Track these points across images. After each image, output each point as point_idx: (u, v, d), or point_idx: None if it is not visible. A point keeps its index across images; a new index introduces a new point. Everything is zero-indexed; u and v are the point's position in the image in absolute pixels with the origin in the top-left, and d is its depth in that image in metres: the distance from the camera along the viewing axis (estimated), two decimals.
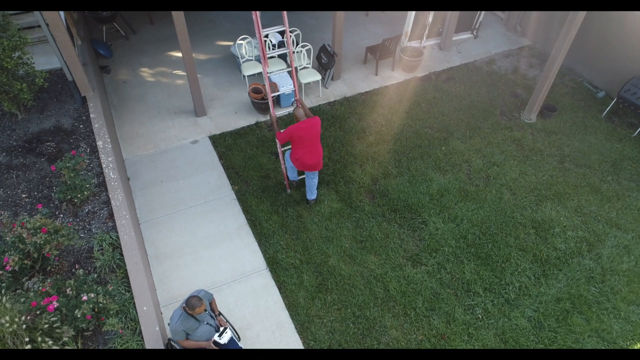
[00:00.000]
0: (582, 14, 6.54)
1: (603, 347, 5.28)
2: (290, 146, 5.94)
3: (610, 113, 8.06)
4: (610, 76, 8.30)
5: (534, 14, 9.44)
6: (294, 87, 6.02)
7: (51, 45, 5.84)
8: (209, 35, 9.45)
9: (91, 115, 6.21)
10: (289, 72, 7.97)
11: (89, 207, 5.49)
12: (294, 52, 7.58)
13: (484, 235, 6.25)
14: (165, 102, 7.93)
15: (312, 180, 6.21)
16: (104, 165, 5.70)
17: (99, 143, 5.92)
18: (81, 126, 6.31)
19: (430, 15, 8.89)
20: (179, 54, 8.89)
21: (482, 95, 8.41)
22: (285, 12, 5.50)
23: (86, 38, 8.05)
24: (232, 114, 7.79)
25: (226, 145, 7.23)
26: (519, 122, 7.93)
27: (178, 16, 6.09)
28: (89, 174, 5.76)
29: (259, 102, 7.52)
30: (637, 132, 7.70)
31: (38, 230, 4.53)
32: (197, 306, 3.90)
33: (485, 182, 6.93)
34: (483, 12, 9.43)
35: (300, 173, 6.65)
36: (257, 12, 5.25)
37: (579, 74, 8.86)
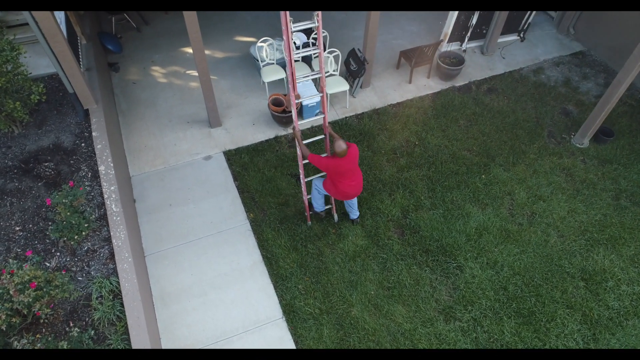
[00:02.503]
0: None
1: None
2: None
3: None
4: None
5: (592, 15, 8.35)
6: (323, 97, 5.11)
7: (48, 56, 5.15)
8: (228, 29, 8.61)
9: (93, 134, 5.58)
10: (314, 80, 7.18)
11: (89, 244, 4.94)
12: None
13: (527, 286, 5.56)
14: (177, 109, 7.23)
15: (352, 201, 5.62)
16: (105, 196, 5.11)
17: (101, 168, 5.31)
18: (83, 144, 5.69)
19: (476, 14, 7.89)
20: None
21: (528, 111, 7.51)
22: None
23: (93, 33, 7.31)
24: (249, 126, 7.07)
25: (242, 164, 6.56)
26: (569, 147, 7.05)
27: (189, 15, 5.30)
28: (90, 204, 5.17)
29: (280, 115, 6.78)
30: None
31: (27, 285, 3.99)
32: None
33: (529, 220, 6.17)
34: (533, 11, 8.37)
35: (326, 202, 5.97)
36: (287, 13, 4.38)
37: (638, 89, 7.86)
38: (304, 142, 5.27)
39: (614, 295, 5.53)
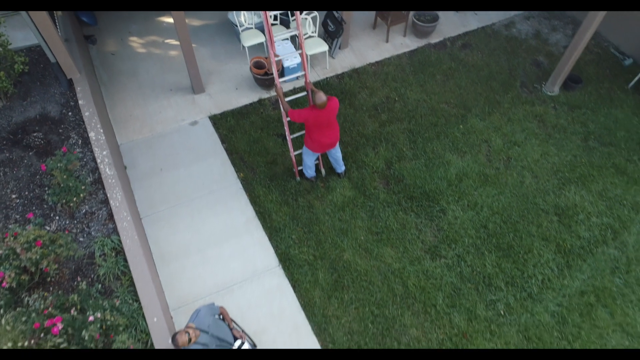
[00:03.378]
0: None
1: (627, 342, 5.15)
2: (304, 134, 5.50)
3: (638, 83, 7.53)
4: (639, 41, 7.69)
5: None
6: (302, 55, 5.34)
7: (30, 27, 5.16)
8: None
9: (79, 102, 5.64)
10: (293, 40, 7.29)
11: (86, 207, 5.08)
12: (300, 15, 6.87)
13: (505, 224, 5.95)
14: (159, 78, 7.29)
15: (335, 155, 5.86)
16: (98, 160, 5.23)
17: (91, 134, 5.41)
18: (70, 113, 5.75)
19: None
20: (171, 20, 8.10)
21: (501, 64, 7.81)
22: None
23: None
24: (232, 90, 7.19)
25: (228, 127, 6.71)
26: (541, 95, 7.41)
27: None
28: (84, 170, 5.29)
29: (262, 77, 6.91)
30: None
31: (32, 244, 4.15)
32: (177, 343, 3.54)
33: (505, 164, 6.54)
34: None
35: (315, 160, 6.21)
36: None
37: (604, 39, 8.22)
38: (286, 99, 5.46)
39: (585, 226, 5.97)
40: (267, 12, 4.76)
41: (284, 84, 7.02)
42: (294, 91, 7.14)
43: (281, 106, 5.45)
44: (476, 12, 8.66)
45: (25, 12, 5.03)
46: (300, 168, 6.16)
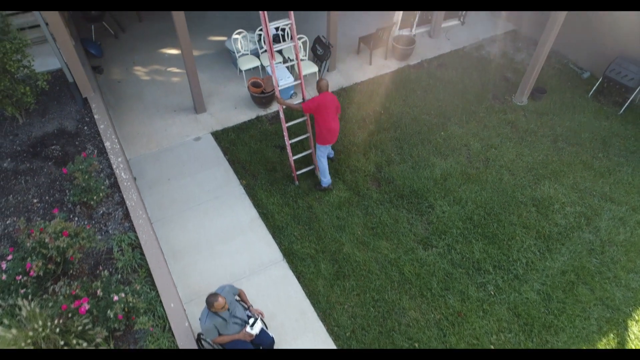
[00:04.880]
0: None
1: (608, 314, 5.59)
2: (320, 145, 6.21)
3: (596, 92, 8.41)
4: (594, 57, 8.65)
5: None
6: (300, 77, 6.07)
7: (51, 46, 5.74)
8: (201, 31, 9.37)
9: (95, 116, 6.15)
10: (287, 65, 8.00)
11: (103, 208, 5.47)
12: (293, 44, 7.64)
13: (489, 215, 6.49)
14: (163, 100, 7.87)
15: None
16: (114, 166, 5.67)
17: (107, 144, 5.87)
18: (85, 128, 6.23)
19: None
20: (172, 51, 8.81)
21: (474, 80, 8.64)
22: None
23: (77, 38, 7.88)
24: (231, 109, 7.79)
25: (230, 141, 7.25)
26: (512, 105, 8.19)
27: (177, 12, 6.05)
28: (100, 175, 5.71)
29: (259, 96, 7.55)
30: (622, 110, 8.07)
31: (60, 234, 4.51)
32: (214, 301, 3.94)
33: (484, 164, 7.17)
34: None
35: (310, 163, 6.74)
36: (265, 13, 5.30)
37: (564, 56, 9.18)
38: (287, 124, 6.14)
39: (560, 215, 6.55)
40: (268, 28, 5.45)
41: None
42: (287, 110, 7.76)
43: (282, 117, 6.08)
44: (448, 37, 9.60)
45: (52, 38, 5.62)
46: (298, 173, 6.68)
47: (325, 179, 6.56)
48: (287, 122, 6.26)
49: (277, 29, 8.41)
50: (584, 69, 8.86)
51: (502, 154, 7.32)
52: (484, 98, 8.27)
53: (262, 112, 7.76)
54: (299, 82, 6.09)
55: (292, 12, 5.61)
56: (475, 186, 6.83)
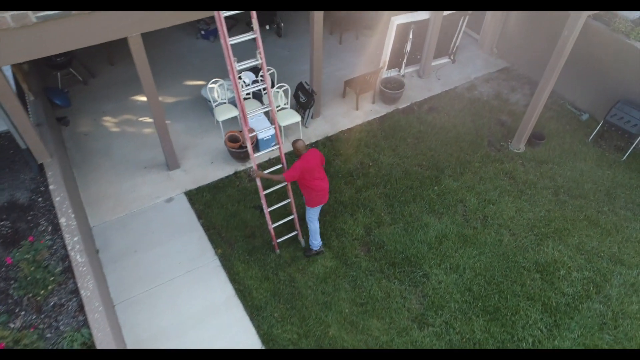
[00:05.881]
0: (570, 44, 6.34)
1: None
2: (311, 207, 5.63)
3: (596, 137, 7.94)
4: (593, 98, 8.20)
5: (510, 35, 9.29)
6: (275, 128, 5.48)
7: None
8: (176, 75, 8.81)
9: (50, 187, 5.51)
10: (266, 113, 7.44)
11: (55, 299, 4.80)
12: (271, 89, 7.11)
13: (489, 285, 5.91)
14: (133, 155, 7.25)
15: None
16: (69, 248, 5.02)
17: (62, 220, 5.23)
18: (40, 199, 5.59)
19: (409, 43, 8.57)
20: (145, 98, 8.22)
21: (468, 125, 8.14)
22: (261, 46, 4.97)
23: (39, 89, 7.28)
24: (208, 164, 7.19)
25: (204, 202, 6.63)
26: (508, 153, 7.68)
27: (138, 54, 5.44)
28: (53, 258, 5.06)
29: (237, 151, 6.97)
30: (625, 156, 7.59)
31: None
32: None
33: (482, 223, 6.61)
34: (460, 35, 9.19)
35: (292, 229, 6.13)
36: (222, 18, 4.62)
37: (560, 97, 8.73)
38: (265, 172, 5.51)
39: (567, 282, 5.99)
40: (239, 89, 4.88)
41: (260, 155, 7.04)
42: (269, 162, 7.20)
43: (258, 181, 5.49)
44: (439, 77, 9.13)
45: None
46: (279, 240, 6.07)
47: (317, 242, 5.96)
48: (264, 189, 5.66)
49: (256, 73, 7.88)
50: (583, 111, 8.40)
51: (501, 210, 6.77)
52: (478, 145, 7.75)
53: (240, 168, 7.17)
54: (273, 126, 5.49)
55: (261, 47, 4.93)
56: (473, 250, 6.26)
